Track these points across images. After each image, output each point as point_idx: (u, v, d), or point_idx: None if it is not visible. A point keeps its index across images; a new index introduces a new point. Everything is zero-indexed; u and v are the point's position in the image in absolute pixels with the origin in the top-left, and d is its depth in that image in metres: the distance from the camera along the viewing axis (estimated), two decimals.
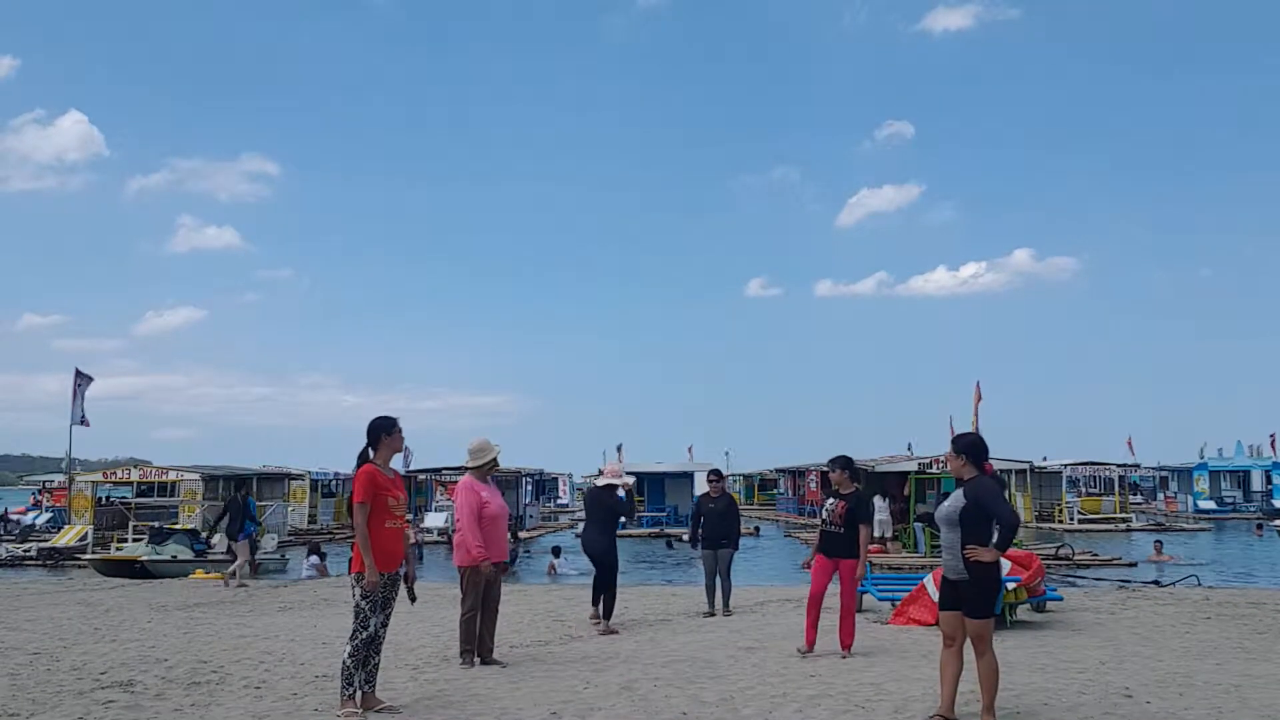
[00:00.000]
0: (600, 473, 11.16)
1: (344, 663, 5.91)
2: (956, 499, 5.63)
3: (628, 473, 11.45)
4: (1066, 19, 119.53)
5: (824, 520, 8.20)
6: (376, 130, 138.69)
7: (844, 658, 7.88)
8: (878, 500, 23.45)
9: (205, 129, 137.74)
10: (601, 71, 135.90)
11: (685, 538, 12.81)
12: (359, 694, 5.92)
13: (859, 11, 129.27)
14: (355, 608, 5.91)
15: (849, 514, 7.98)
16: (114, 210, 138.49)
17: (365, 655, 5.94)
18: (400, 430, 6.18)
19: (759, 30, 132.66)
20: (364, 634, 5.86)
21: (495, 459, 8.00)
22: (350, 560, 6.09)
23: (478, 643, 7.71)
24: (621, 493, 10.16)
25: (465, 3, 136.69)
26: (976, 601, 5.50)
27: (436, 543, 26.78)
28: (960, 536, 5.52)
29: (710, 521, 11.07)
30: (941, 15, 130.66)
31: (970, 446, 5.76)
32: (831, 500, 8.17)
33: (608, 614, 9.83)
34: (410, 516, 27.21)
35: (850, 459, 8.36)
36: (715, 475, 11.59)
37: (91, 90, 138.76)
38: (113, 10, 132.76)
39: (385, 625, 6.06)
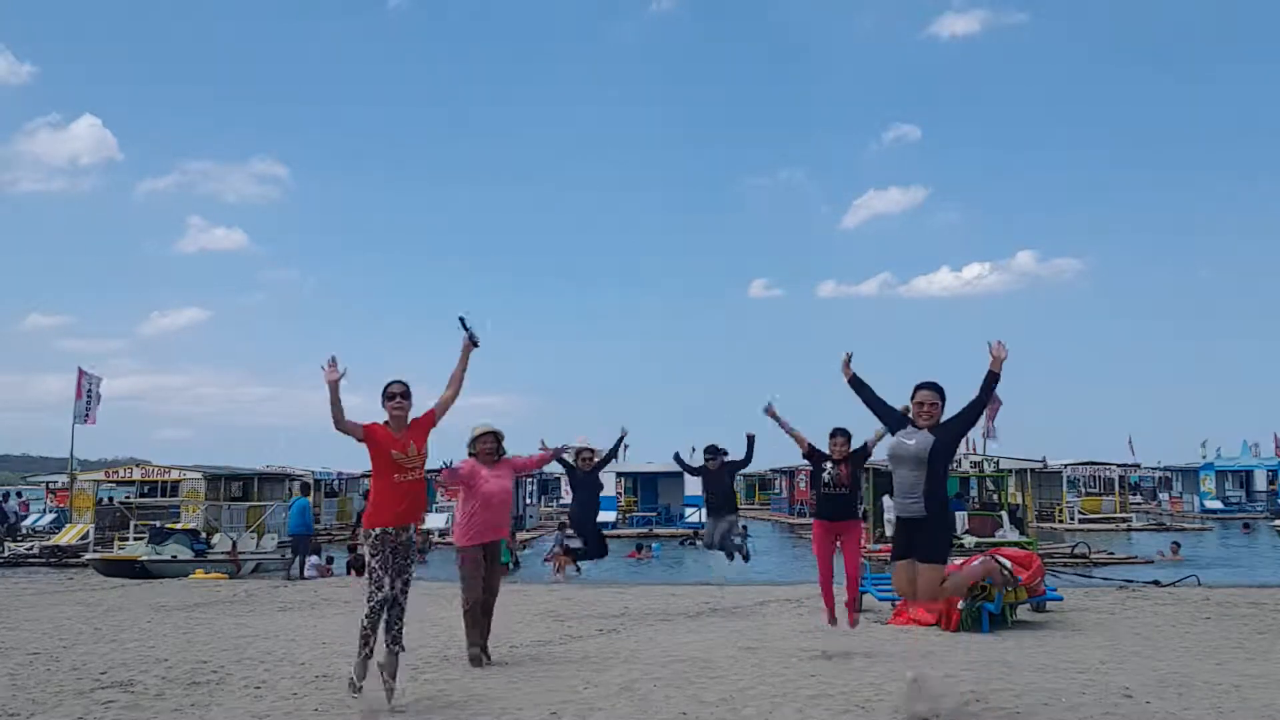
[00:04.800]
0: (580, 454, 11.20)
1: (360, 623, 5.96)
2: (922, 438, 5.47)
3: (619, 473, 12.00)
4: (1071, 24, 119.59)
5: (825, 484, 8.11)
6: (383, 133, 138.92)
7: (851, 628, 7.92)
8: (886, 500, 23.47)
9: (216, 132, 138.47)
10: (608, 74, 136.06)
11: (694, 541, 13.09)
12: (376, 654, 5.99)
13: (867, 17, 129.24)
14: (369, 569, 5.95)
15: (854, 476, 7.96)
16: (124, 212, 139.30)
17: (382, 619, 5.95)
18: (394, 397, 6.16)
19: (767, 34, 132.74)
20: (379, 595, 5.87)
21: (489, 442, 7.79)
22: (359, 515, 6.21)
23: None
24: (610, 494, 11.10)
25: (475, 6, 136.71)
26: (931, 544, 5.35)
27: (436, 543, 26.75)
28: (926, 475, 5.40)
29: (711, 494, 11.16)
30: (949, 20, 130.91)
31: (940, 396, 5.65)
32: (832, 464, 8.12)
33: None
34: None
35: (849, 432, 8.42)
36: (711, 453, 11.67)
37: (106, 94, 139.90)
38: (128, 15, 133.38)
39: (405, 592, 6.06)
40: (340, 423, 5.99)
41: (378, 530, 5.95)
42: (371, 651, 5.94)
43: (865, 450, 8.22)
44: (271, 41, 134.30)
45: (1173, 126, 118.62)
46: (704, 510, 11.48)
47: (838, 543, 8.07)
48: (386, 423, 6.16)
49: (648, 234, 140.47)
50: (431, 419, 6.35)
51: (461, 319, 6.49)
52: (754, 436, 10.84)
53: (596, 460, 11.28)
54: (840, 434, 8.43)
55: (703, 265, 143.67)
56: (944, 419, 5.60)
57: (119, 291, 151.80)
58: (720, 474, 11.07)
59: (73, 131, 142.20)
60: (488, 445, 7.82)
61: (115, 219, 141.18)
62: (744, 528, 12.84)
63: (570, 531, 12.34)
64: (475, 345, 6.58)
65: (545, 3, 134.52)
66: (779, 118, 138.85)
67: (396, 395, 6.17)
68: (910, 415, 5.70)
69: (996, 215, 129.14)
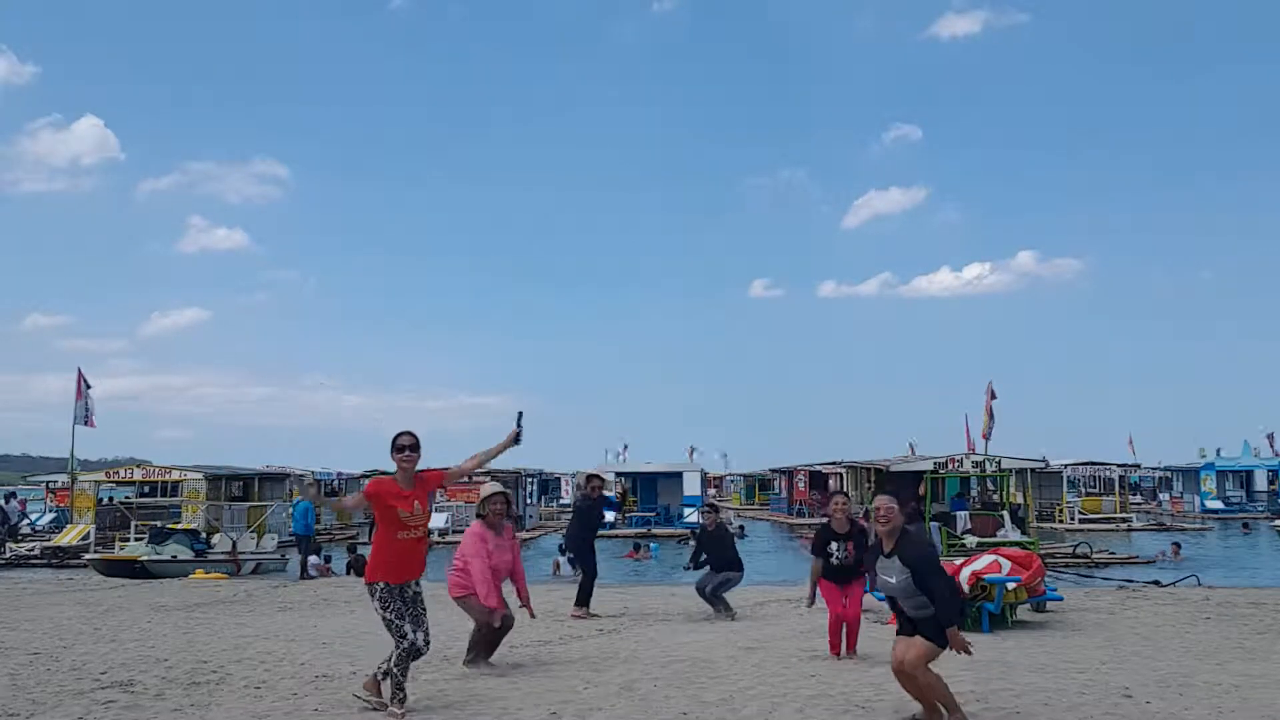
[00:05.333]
0: (590, 481, 11.87)
1: (392, 674, 5.92)
2: (898, 570, 5.54)
3: (617, 473, 12.25)
4: (1071, 24, 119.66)
5: (837, 558, 8.32)
6: (384, 133, 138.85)
7: (851, 653, 8.00)
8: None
9: (218, 132, 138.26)
10: (610, 74, 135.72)
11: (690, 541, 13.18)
12: (403, 695, 5.99)
13: (868, 17, 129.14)
14: (384, 621, 5.88)
15: (859, 552, 8.21)
16: (126, 212, 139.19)
17: (409, 665, 5.95)
18: (404, 449, 5.97)
19: (769, 35, 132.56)
20: (404, 644, 5.82)
21: (500, 503, 7.73)
22: (365, 569, 6.08)
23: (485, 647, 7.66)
24: (610, 494, 11.60)
25: (476, 6, 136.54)
26: (938, 631, 5.46)
27: (435, 543, 26.76)
28: (925, 593, 5.47)
29: (711, 550, 11.22)
30: (950, 21, 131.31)
31: (898, 503, 5.76)
32: (839, 544, 8.30)
33: (583, 603, 11.13)
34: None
35: (848, 494, 8.97)
36: (710, 508, 11.98)
37: (108, 95, 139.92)
38: (130, 16, 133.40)
39: (428, 643, 6.02)
40: (348, 510, 6.02)
41: (382, 584, 5.85)
42: (405, 696, 5.95)
43: (867, 537, 8.35)
44: (272, 42, 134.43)
45: (1173, 127, 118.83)
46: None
47: (844, 596, 8.31)
48: (393, 475, 6.02)
49: (648, 234, 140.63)
50: (439, 481, 6.26)
51: (520, 415, 6.79)
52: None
53: (604, 491, 11.78)
54: (841, 494, 8.97)
55: (703, 265, 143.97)
56: (908, 526, 5.72)
57: (120, 292, 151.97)
58: (717, 533, 11.24)
59: (74, 132, 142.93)
60: (498, 506, 7.75)
61: (116, 219, 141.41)
62: (741, 527, 12.69)
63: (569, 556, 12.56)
64: (517, 442, 6.70)
65: (546, 3, 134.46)
66: (780, 118, 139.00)
67: (405, 448, 5.97)
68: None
69: (997, 215, 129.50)
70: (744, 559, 11.42)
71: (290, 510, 21.04)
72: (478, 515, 7.83)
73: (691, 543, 14.31)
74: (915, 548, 5.59)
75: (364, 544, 23.12)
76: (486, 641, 7.65)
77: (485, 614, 7.47)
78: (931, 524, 21.20)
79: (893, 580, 5.61)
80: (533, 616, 8.34)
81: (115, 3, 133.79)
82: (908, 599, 5.57)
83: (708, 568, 11.19)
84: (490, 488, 7.93)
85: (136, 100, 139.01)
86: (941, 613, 5.41)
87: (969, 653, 5.43)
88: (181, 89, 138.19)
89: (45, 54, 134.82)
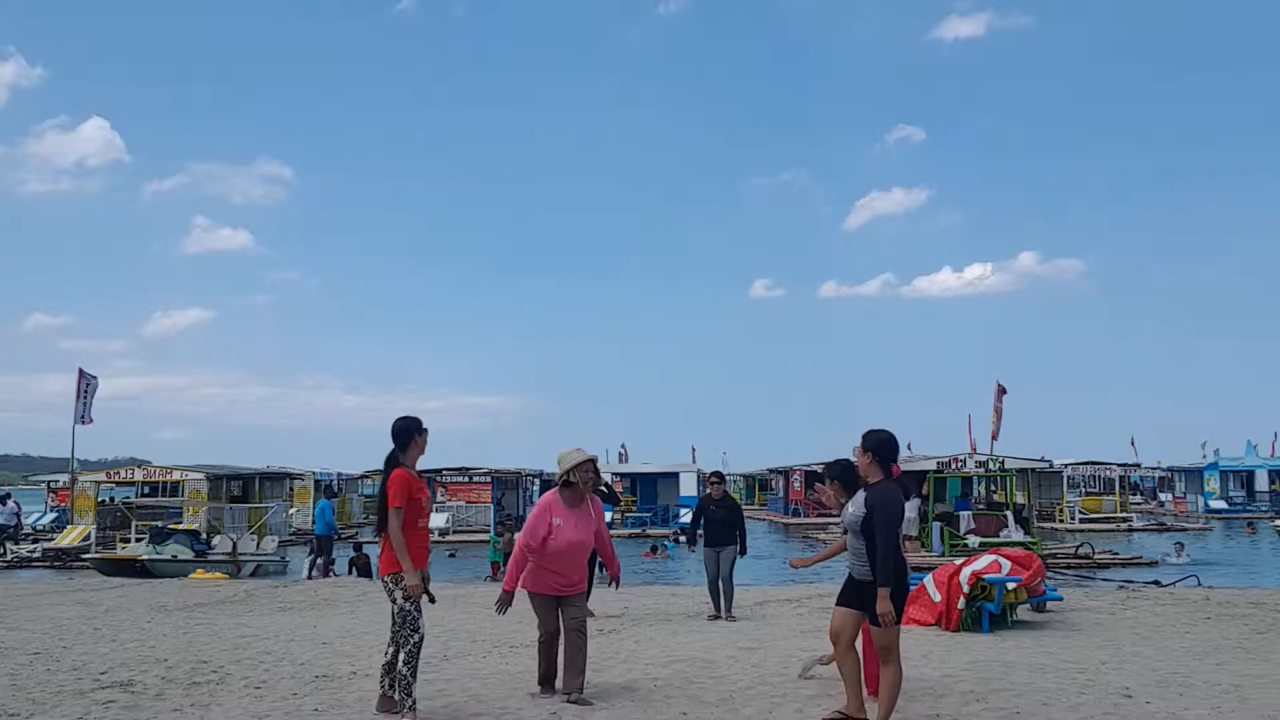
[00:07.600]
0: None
1: (400, 673, 5.69)
2: (859, 506, 5.33)
3: (614, 473, 11.40)
4: (1073, 26, 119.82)
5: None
6: (388, 135, 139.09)
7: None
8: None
9: (223, 134, 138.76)
10: (612, 74, 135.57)
11: (682, 538, 12.70)
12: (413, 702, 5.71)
13: (872, 19, 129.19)
14: (401, 612, 5.64)
15: None
16: (130, 213, 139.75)
17: (418, 663, 5.74)
18: (426, 431, 5.97)
19: (772, 35, 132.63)
20: (415, 638, 5.66)
21: (591, 471, 6.44)
22: (379, 563, 5.91)
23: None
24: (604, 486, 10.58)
25: (481, 8, 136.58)
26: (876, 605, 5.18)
27: (436, 543, 26.78)
28: (866, 544, 5.24)
29: (712, 523, 10.98)
30: (954, 23, 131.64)
31: (879, 445, 5.35)
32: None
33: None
34: None
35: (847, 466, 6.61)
36: (716, 477, 11.61)
37: (114, 97, 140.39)
38: (136, 18, 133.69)
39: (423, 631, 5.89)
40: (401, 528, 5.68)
41: (414, 579, 5.64)
42: (416, 701, 5.71)
43: None
44: (277, 43, 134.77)
45: (1175, 128, 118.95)
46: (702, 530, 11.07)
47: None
48: (404, 464, 5.82)
49: (649, 234, 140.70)
50: (424, 490, 6.08)
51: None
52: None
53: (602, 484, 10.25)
54: (833, 476, 7.77)
55: (704, 265, 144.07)
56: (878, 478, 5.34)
57: (122, 292, 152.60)
58: (725, 503, 10.98)
59: (81, 133, 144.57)
60: (589, 474, 6.41)
61: (121, 220, 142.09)
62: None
63: None
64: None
65: (551, 5, 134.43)
66: (783, 118, 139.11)
67: (426, 432, 5.99)
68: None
69: (998, 216, 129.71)
70: (750, 561, 11.22)
71: (308, 511, 20.99)
72: (564, 483, 6.38)
73: (679, 539, 13.97)
74: (883, 495, 5.25)
75: (370, 543, 23.13)
76: (545, 650, 6.50)
77: (538, 605, 6.43)
78: (934, 524, 21.22)
79: (851, 509, 5.40)
80: (617, 587, 7.25)
81: (121, 5, 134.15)
82: (852, 537, 5.36)
83: (704, 544, 10.85)
84: (577, 456, 6.38)
85: (142, 102, 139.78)
86: (880, 574, 5.09)
87: (891, 624, 5.10)
88: (187, 91, 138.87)
89: (53, 57, 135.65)
